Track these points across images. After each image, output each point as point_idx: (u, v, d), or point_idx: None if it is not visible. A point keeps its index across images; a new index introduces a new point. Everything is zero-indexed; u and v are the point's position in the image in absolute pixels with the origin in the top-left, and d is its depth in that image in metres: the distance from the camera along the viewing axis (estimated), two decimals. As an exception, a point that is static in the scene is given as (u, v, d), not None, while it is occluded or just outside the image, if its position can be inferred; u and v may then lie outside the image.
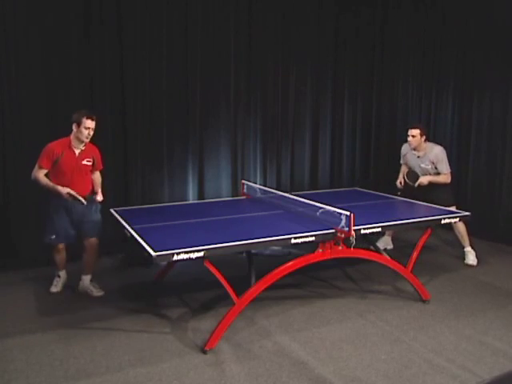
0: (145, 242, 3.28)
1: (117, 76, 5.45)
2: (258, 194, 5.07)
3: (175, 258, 3.08)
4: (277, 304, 4.10)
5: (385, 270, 4.36)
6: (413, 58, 6.86)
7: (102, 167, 4.47)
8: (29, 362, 3.21)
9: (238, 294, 3.43)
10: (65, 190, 4.01)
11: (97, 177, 4.44)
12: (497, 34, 5.81)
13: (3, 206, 5.05)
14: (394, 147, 6.87)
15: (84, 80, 5.28)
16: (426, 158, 5.11)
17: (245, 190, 5.21)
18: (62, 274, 4.40)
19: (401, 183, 5.41)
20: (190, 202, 5.91)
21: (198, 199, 6.03)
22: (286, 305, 4.10)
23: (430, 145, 5.17)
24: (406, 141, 5.21)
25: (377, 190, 5.68)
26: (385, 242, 5.55)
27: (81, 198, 4.06)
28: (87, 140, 4.13)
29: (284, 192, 4.87)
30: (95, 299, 4.23)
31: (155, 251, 3.08)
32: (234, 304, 3.40)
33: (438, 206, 4.65)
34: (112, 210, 4.31)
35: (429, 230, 4.25)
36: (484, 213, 5.95)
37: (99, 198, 4.35)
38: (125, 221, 3.90)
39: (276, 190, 5.19)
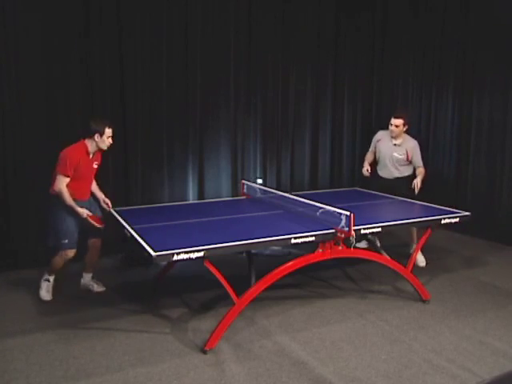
0: (145, 241, 3.28)
1: (117, 76, 5.45)
2: (258, 194, 5.07)
3: (175, 257, 3.08)
4: (277, 304, 4.10)
5: (385, 270, 4.36)
6: (413, 58, 6.85)
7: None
8: (29, 361, 3.22)
9: (238, 294, 3.43)
10: (84, 213, 4.01)
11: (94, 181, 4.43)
12: (497, 34, 5.81)
13: (3, 206, 5.04)
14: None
15: (84, 80, 5.27)
16: (403, 147, 5.15)
17: (245, 190, 5.21)
18: (52, 279, 4.26)
19: (367, 170, 5.34)
20: (190, 201, 5.91)
21: (198, 199, 6.02)
22: (286, 305, 4.10)
23: (407, 137, 5.21)
24: (387, 129, 5.20)
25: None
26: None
27: (97, 225, 4.09)
28: (106, 149, 4.19)
29: (284, 192, 4.87)
30: (95, 299, 4.23)
31: (155, 251, 3.08)
32: (234, 304, 3.40)
33: (438, 206, 4.65)
34: (112, 210, 4.30)
35: (429, 230, 4.25)
36: (484, 213, 5.95)
37: (109, 202, 4.34)
38: (125, 221, 3.90)
39: (276, 190, 5.19)
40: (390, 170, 5.26)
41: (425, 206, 4.75)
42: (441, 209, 4.59)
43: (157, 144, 5.76)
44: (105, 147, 4.16)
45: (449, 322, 3.80)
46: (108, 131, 4.11)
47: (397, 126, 5.09)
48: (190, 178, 6.03)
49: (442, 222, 4.26)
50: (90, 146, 4.13)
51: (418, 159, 5.16)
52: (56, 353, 3.32)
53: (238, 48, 6.13)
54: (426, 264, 5.09)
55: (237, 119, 6.24)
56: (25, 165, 5.02)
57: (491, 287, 4.53)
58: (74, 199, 4.03)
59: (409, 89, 6.96)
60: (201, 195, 6.07)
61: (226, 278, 3.39)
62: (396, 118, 5.11)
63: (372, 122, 7.29)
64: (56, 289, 4.30)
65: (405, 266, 4.12)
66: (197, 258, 3.15)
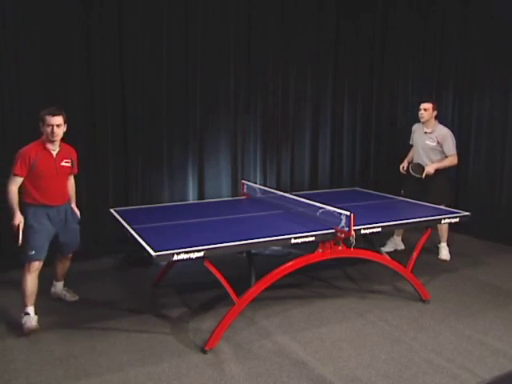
0: (145, 242, 3.27)
1: (117, 76, 5.45)
2: (258, 194, 5.07)
3: (175, 257, 3.08)
4: (277, 304, 4.10)
5: (385, 270, 4.37)
6: (413, 58, 6.86)
7: (77, 170, 4.05)
8: (29, 361, 3.22)
9: (238, 294, 3.43)
10: (16, 222, 3.63)
11: (71, 183, 4.03)
12: (497, 34, 5.81)
13: (4, 206, 5.04)
14: (393, 147, 6.90)
15: (84, 80, 5.28)
16: (434, 135, 5.15)
17: (245, 190, 5.21)
18: (31, 310, 3.69)
19: (403, 168, 5.43)
20: (190, 202, 5.91)
21: (198, 199, 6.03)
22: (286, 305, 4.10)
23: (440, 125, 5.22)
24: (418, 121, 5.26)
25: (377, 190, 5.68)
26: (394, 244, 5.53)
27: (20, 239, 3.64)
28: (53, 138, 3.66)
29: (284, 192, 4.87)
30: (95, 299, 4.23)
31: (155, 251, 3.07)
32: (234, 304, 3.40)
33: (438, 206, 4.65)
34: (112, 210, 4.30)
35: (429, 230, 4.25)
36: (484, 213, 5.95)
37: (77, 211, 4.02)
38: (125, 221, 3.90)
39: (276, 190, 5.19)
40: (423, 159, 5.22)
41: (425, 206, 4.75)
42: (441, 209, 4.59)
43: (157, 144, 5.76)
44: (49, 136, 3.64)
45: (449, 322, 3.80)
46: (48, 118, 3.60)
47: (425, 110, 5.12)
48: (190, 178, 6.03)
49: (442, 222, 4.27)
50: (44, 139, 3.70)
51: (448, 147, 5.11)
52: (56, 353, 3.32)
53: (238, 48, 6.13)
54: (426, 264, 5.08)
55: (237, 119, 6.24)
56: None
57: (491, 287, 4.53)
58: (43, 204, 3.71)
59: (409, 89, 6.96)
60: (201, 195, 6.08)
61: (226, 277, 3.38)
62: (424, 102, 5.17)
63: (372, 122, 7.29)
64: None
65: (405, 266, 4.12)
66: (197, 258, 3.15)
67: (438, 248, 5.38)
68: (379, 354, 3.33)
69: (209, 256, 3.20)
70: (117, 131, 5.53)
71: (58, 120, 3.65)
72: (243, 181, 5.39)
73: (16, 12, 4.84)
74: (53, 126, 3.63)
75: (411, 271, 4.15)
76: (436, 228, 5.07)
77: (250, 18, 6.17)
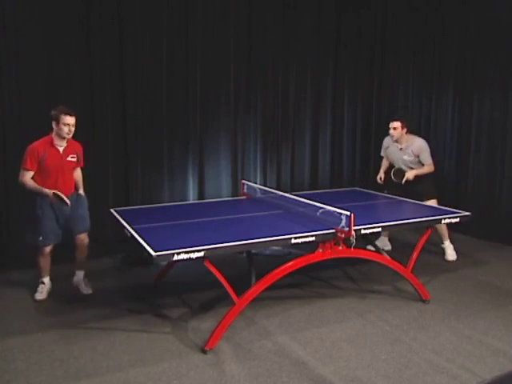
0: (145, 241, 3.27)
1: (117, 76, 5.45)
2: (258, 194, 5.07)
3: (175, 257, 3.08)
4: (277, 304, 4.10)
5: (385, 270, 4.37)
6: (413, 58, 6.85)
7: (83, 164, 4.33)
8: (29, 362, 3.21)
9: (238, 293, 3.43)
10: (51, 192, 3.91)
11: (78, 174, 4.30)
12: (497, 34, 5.81)
13: (3, 206, 5.05)
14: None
15: (84, 80, 5.28)
16: (409, 149, 5.15)
17: (245, 190, 5.21)
18: (47, 280, 4.25)
19: (381, 179, 5.47)
20: (190, 201, 5.91)
21: (198, 199, 6.03)
22: (286, 305, 4.10)
23: (411, 137, 5.20)
24: (388, 134, 5.23)
25: (377, 190, 5.67)
26: (382, 243, 5.55)
27: (66, 199, 3.92)
28: (69, 136, 4.00)
29: (284, 192, 4.87)
30: (95, 299, 4.23)
31: (155, 251, 3.07)
32: (234, 304, 3.40)
33: (439, 206, 4.66)
34: (112, 210, 4.30)
35: (429, 230, 4.25)
36: (484, 213, 5.95)
37: (81, 191, 4.28)
38: (125, 221, 3.90)
39: (276, 189, 5.19)
40: (405, 169, 5.24)
41: (425, 205, 4.75)
42: (441, 209, 4.60)
43: (157, 144, 5.76)
44: (64, 134, 3.96)
45: (449, 322, 3.80)
46: (65, 118, 3.91)
47: (395, 129, 5.10)
48: (191, 178, 6.03)
49: (443, 222, 4.27)
50: (54, 136, 4.01)
51: (424, 157, 5.13)
52: (56, 353, 3.32)
53: (239, 48, 6.14)
54: (426, 264, 5.08)
55: (237, 119, 6.24)
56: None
57: (491, 287, 4.53)
58: (47, 196, 3.97)
59: (409, 89, 6.96)
60: (201, 195, 6.08)
61: (226, 277, 3.38)
62: (393, 120, 5.14)
63: (372, 122, 7.29)
64: (56, 289, 4.30)
65: (405, 266, 4.12)
66: (197, 257, 3.15)
67: (442, 249, 5.32)
68: (379, 354, 3.33)
69: (209, 256, 3.20)
70: (117, 131, 5.53)
71: (73, 119, 3.98)
72: (243, 181, 5.39)
73: (16, 12, 4.85)
74: (69, 125, 3.95)
75: (411, 271, 4.15)
76: (435, 229, 5.07)
77: (250, 18, 6.17)
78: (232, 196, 6.14)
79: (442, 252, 5.33)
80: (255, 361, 3.23)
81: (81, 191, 4.29)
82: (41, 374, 3.07)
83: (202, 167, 6.07)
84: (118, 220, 4.02)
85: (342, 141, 7.16)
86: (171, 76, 5.73)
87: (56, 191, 3.92)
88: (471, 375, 3.07)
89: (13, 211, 5.08)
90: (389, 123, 5.17)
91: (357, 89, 7.15)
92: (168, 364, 3.19)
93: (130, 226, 3.73)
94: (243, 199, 5.19)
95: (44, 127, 5.04)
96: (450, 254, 5.30)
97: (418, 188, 5.09)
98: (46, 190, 3.92)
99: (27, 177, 3.96)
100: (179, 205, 5.22)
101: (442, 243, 5.34)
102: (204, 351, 3.32)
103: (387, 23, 7.05)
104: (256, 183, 5.90)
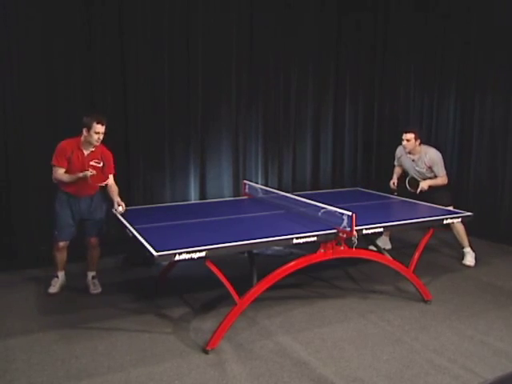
0: (146, 241, 3.28)
1: (118, 76, 5.45)
2: (260, 194, 5.07)
3: (177, 257, 3.08)
4: (278, 304, 4.10)
5: (386, 271, 4.36)
6: (414, 59, 6.84)
7: (113, 171, 4.30)
8: (30, 362, 3.22)
9: (240, 294, 3.42)
10: (87, 173, 3.98)
11: (112, 185, 4.22)
12: (499, 35, 5.80)
13: (4, 206, 5.05)
14: (395, 147, 6.86)
15: (85, 80, 5.28)
16: (421, 161, 5.13)
17: (246, 190, 5.21)
18: (61, 275, 4.35)
19: (394, 184, 5.41)
20: (192, 202, 5.91)
21: (200, 199, 6.02)
22: (287, 305, 4.10)
23: (424, 148, 5.17)
24: (401, 144, 5.21)
25: (379, 190, 5.67)
26: (383, 243, 5.54)
27: (91, 172, 3.98)
28: (97, 144, 4.12)
29: (286, 192, 4.87)
30: (97, 299, 4.23)
31: (157, 251, 3.08)
32: (236, 304, 3.40)
33: (439, 206, 4.65)
34: (114, 210, 4.30)
35: (431, 231, 4.24)
36: (485, 213, 5.93)
37: (121, 208, 4.04)
38: (126, 221, 3.90)
39: (278, 190, 5.18)
40: (419, 178, 5.22)
41: (427, 206, 4.74)
42: (443, 209, 4.59)
43: (158, 144, 5.76)
44: (93, 142, 4.07)
45: (450, 323, 3.80)
46: (97, 126, 4.02)
47: (408, 141, 5.07)
48: (192, 178, 6.02)
49: (444, 222, 4.27)
50: (83, 141, 4.11)
51: (437, 169, 5.10)
52: (58, 353, 3.33)
53: (240, 48, 6.13)
54: (428, 264, 5.08)
55: (238, 119, 6.24)
56: (26, 165, 5.03)
57: (493, 287, 4.53)
58: (66, 192, 4.14)
59: (410, 89, 6.95)
60: (202, 195, 6.07)
61: (227, 278, 3.39)
62: (406, 132, 5.10)
63: (374, 123, 7.29)
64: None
65: (407, 267, 4.12)
66: (198, 257, 3.15)
67: (462, 253, 5.24)
68: (381, 354, 3.33)
69: (210, 256, 3.20)
70: (118, 131, 5.52)
71: (104, 128, 4.08)
72: (245, 181, 5.40)
73: (16, 10, 4.85)
74: (99, 133, 4.05)
75: (413, 271, 4.15)
76: (438, 228, 5.04)
77: (252, 18, 6.17)
78: (233, 196, 6.13)
79: (448, 253, 5.31)
80: (256, 361, 3.23)
81: (120, 208, 4.05)
82: (42, 374, 3.07)
83: (203, 167, 6.07)
84: (119, 220, 4.02)
85: (343, 141, 7.15)
86: (173, 76, 5.73)
87: (90, 173, 3.99)
88: (473, 375, 3.06)
89: (15, 212, 5.08)
90: (402, 134, 5.13)
91: (358, 89, 7.14)
92: (169, 364, 3.19)
93: (131, 225, 3.73)
94: (245, 199, 5.19)
95: (44, 127, 5.08)
96: (470, 260, 5.18)
97: (435, 196, 4.99)
98: (80, 174, 3.99)
99: (60, 172, 4.06)
100: (181, 205, 5.23)
101: (462, 248, 5.24)
102: (205, 351, 3.32)
103: (388, 23, 7.04)
104: (257, 183, 5.89)
